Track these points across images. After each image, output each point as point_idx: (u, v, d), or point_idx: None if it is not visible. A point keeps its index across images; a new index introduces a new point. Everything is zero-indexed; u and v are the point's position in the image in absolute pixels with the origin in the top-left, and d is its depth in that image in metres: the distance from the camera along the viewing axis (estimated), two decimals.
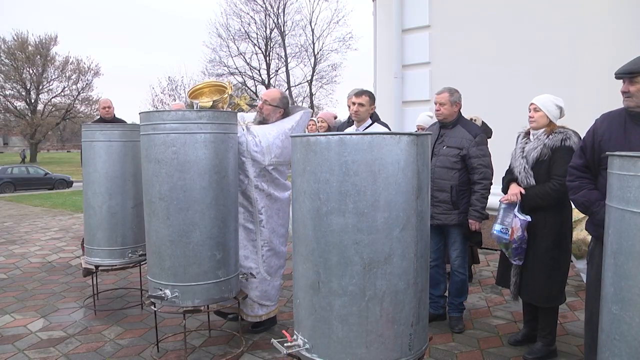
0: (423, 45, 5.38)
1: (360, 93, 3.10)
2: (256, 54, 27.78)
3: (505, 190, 2.73)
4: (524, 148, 2.66)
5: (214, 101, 2.94)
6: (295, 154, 1.75)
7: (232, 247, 2.64)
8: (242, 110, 3.19)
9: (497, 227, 2.66)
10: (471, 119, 3.44)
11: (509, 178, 2.72)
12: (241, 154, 2.79)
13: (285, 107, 3.04)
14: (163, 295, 2.45)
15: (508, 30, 4.82)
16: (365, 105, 3.07)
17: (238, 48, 27.27)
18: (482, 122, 3.79)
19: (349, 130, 3.36)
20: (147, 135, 2.48)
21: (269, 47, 27.85)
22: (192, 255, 2.46)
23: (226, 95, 3.00)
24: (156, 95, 30.09)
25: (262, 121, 3.00)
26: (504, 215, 2.66)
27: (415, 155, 1.65)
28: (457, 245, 3.08)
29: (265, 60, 27.98)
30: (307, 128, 4.96)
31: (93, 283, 3.63)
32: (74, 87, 35.84)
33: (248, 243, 2.91)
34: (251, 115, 3.15)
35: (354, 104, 3.08)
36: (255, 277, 2.88)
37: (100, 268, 3.44)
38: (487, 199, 2.97)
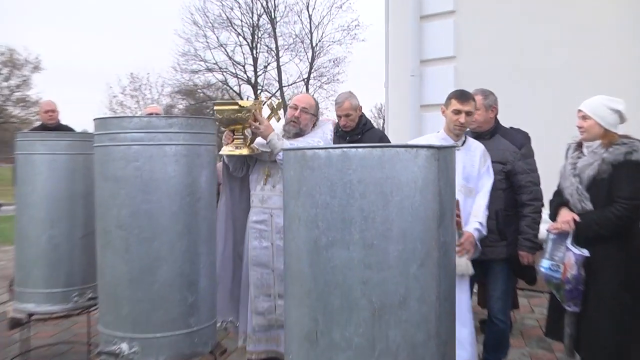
0: (447, 36, 5.48)
1: (469, 98, 2.91)
2: (240, 45, 28.05)
3: (553, 217, 2.76)
4: (575, 164, 2.69)
5: (244, 107, 2.97)
6: (288, 172, 1.78)
7: (208, 287, 2.67)
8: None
9: (545, 263, 2.68)
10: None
11: (558, 202, 2.76)
12: None
13: (317, 115, 3.26)
14: (118, 350, 2.47)
15: (553, 16, 4.87)
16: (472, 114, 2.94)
17: (218, 38, 27.51)
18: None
19: (433, 141, 2.91)
20: (103, 146, 2.54)
21: (256, 37, 28.16)
22: (157, 298, 2.49)
23: (260, 100, 3.12)
24: (115, 97, 30.35)
25: (299, 132, 3.14)
26: (553, 248, 2.68)
27: (437, 173, 1.68)
28: (499, 284, 3.07)
29: (252, 54, 28.26)
30: None
31: (21, 338, 3.57)
32: (4, 84, 36.05)
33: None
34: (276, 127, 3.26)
35: (459, 112, 2.84)
36: (237, 326, 2.90)
37: (34, 317, 3.44)
38: (539, 224, 3.01)
